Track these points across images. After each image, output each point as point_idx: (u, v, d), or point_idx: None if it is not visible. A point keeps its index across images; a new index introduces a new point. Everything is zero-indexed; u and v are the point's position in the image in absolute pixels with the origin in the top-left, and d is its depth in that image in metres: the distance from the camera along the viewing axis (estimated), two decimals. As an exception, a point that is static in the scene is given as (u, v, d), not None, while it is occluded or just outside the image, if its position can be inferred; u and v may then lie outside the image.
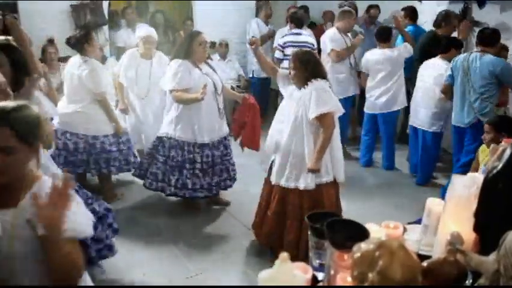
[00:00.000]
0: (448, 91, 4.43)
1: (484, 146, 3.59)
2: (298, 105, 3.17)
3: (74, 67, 3.98)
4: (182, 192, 3.94)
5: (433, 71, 4.56)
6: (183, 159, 3.87)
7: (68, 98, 4.07)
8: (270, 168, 3.39)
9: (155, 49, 4.69)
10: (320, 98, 3.08)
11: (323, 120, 3.09)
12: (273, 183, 3.33)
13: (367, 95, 5.20)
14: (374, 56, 5.00)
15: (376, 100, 5.05)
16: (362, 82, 5.29)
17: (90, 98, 3.99)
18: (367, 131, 5.31)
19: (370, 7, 6.31)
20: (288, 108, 3.27)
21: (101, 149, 4.09)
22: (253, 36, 4.04)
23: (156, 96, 4.59)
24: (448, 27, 4.95)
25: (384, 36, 4.97)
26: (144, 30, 4.70)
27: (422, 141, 4.76)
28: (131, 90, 4.65)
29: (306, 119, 3.13)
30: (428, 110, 4.64)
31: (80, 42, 3.97)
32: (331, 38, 5.16)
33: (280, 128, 3.30)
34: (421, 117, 4.70)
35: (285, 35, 5.74)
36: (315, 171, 3.11)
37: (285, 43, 5.53)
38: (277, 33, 6.40)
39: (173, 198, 4.34)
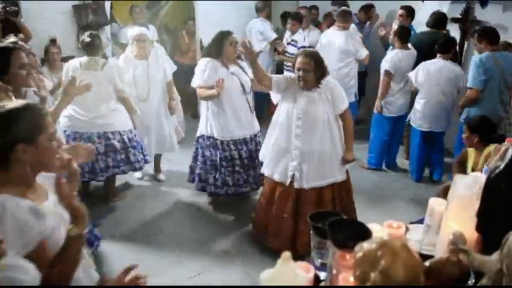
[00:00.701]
0: (478, 97, 4.16)
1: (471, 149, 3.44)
2: (320, 105, 3.21)
3: (89, 67, 3.92)
4: (224, 189, 3.96)
5: (447, 74, 4.43)
6: (219, 157, 3.91)
7: (95, 100, 3.92)
8: (293, 176, 3.28)
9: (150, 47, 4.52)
10: (342, 94, 3.31)
11: (344, 113, 3.32)
12: (305, 187, 3.27)
13: (392, 98, 4.92)
14: (405, 57, 4.79)
15: (404, 101, 4.95)
16: (387, 84, 4.86)
17: (115, 94, 4.06)
18: (391, 133, 5.07)
19: (369, 7, 6.26)
20: (303, 110, 3.21)
21: (136, 142, 4.21)
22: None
23: (156, 96, 4.51)
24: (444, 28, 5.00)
25: (407, 37, 4.83)
26: (136, 29, 4.61)
27: (438, 142, 4.76)
28: (130, 94, 4.41)
29: (332, 116, 3.26)
30: (445, 113, 4.59)
31: (101, 44, 4.07)
32: (360, 41, 5.13)
33: (298, 133, 3.24)
34: (442, 121, 4.62)
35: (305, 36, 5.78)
36: (351, 161, 3.37)
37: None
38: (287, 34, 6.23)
39: (173, 198, 4.36)
